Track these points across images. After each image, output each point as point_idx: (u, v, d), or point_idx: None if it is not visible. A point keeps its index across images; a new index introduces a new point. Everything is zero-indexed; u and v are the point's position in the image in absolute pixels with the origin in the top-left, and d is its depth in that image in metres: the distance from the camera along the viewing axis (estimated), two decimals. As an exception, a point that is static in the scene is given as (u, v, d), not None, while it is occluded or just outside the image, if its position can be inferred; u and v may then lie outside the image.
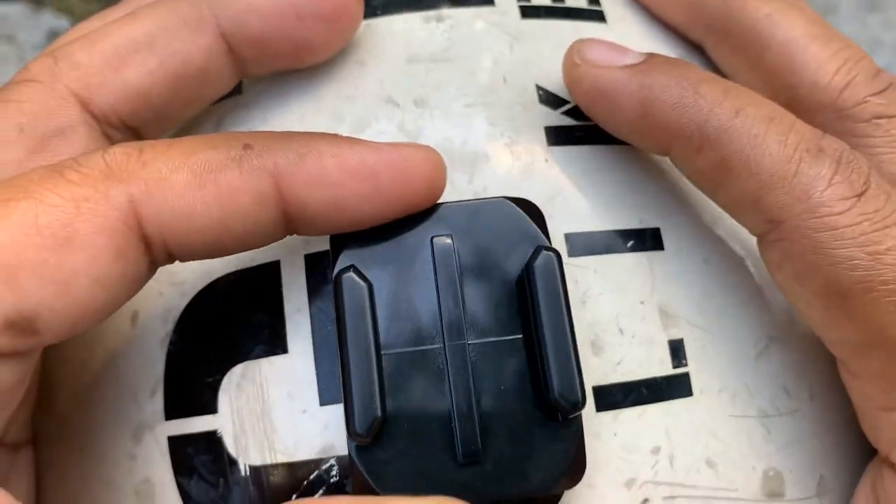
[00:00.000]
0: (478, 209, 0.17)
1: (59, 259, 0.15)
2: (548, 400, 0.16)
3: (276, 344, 0.18)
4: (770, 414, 0.18)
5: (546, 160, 0.19)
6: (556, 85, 0.20)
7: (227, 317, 0.18)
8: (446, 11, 0.21)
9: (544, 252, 0.17)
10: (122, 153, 0.16)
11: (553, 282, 0.16)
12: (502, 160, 0.19)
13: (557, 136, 0.19)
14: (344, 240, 0.17)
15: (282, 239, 0.17)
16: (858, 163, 0.17)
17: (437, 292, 0.17)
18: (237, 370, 0.18)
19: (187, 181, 0.16)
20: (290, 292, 0.18)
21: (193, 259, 0.17)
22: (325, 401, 0.17)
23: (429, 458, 0.16)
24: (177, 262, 0.19)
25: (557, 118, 0.19)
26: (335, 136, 0.17)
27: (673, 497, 0.17)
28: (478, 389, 0.16)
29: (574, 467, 0.16)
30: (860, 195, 0.16)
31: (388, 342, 0.16)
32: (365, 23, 0.20)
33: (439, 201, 0.17)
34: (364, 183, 0.16)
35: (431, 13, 0.21)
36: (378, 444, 0.16)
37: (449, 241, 0.17)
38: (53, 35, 1.21)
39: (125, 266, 0.15)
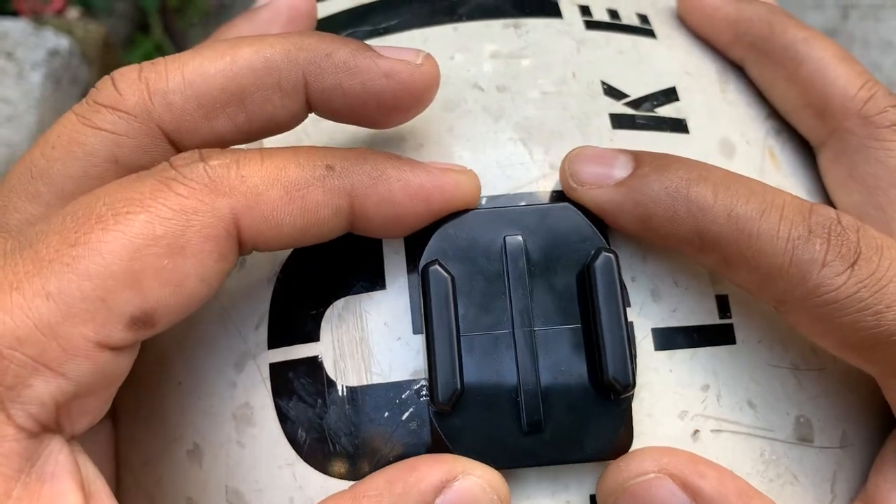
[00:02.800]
0: (546, 213, 0.20)
1: (174, 264, 0.17)
2: (603, 381, 0.19)
3: (375, 282, 0.20)
4: (801, 368, 0.21)
5: (611, 140, 0.22)
6: (617, 82, 0.23)
7: (331, 258, 0.21)
8: (521, 20, 0.24)
9: (604, 253, 0.19)
10: (221, 166, 0.18)
11: (611, 279, 0.19)
12: (574, 138, 0.22)
13: (620, 122, 0.22)
14: (429, 234, 0.20)
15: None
16: (846, 232, 0.18)
17: (508, 284, 0.20)
18: (339, 303, 0.20)
19: (280, 197, 0.18)
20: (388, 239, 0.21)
21: (269, 251, 0.20)
22: (417, 330, 0.20)
23: (498, 426, 0.19)
24: None
25: (620, 108, 0.22)
26: (398, 159, 0.20)
27: (719, 430, 0.20)
28: (541, 369, 0.19)
29: (623, 438, 0.19)
30: (853, 265, 0.18)
31: (465, 326, 0.19)
32: (452, 26, 0.24)
33: (512, 204, 0.21)
34: (420, 203, 0.19)
35: (509, 21, 0.24)
36: (455, 413, 0.19)
37: (520, 239, 0.20)
38: (54, 53, 1.24)
39: (224, 265, 0.18)
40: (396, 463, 0.19)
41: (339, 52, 0.19)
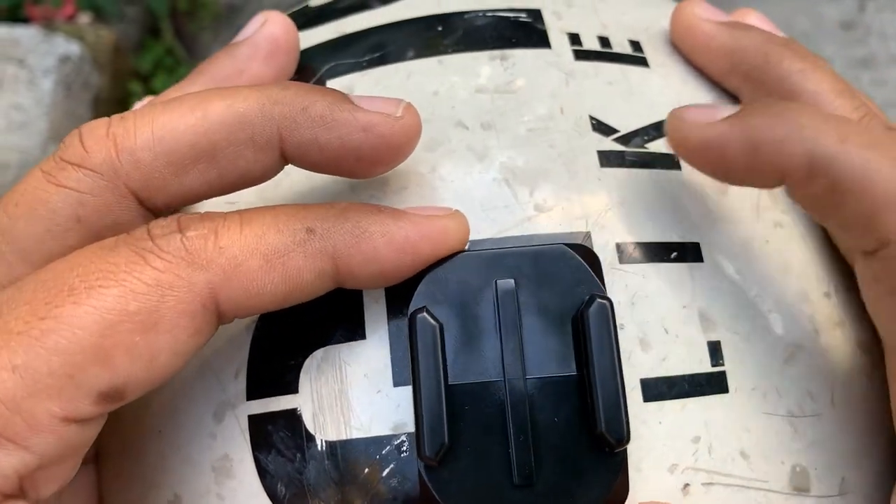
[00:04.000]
0: (539, 255, 0.19)
1: (146, 341, 0.17)
2: (596, 434, 0.18)
3: (354, 331, 0.20)
4: (797, 414, 0.20)
5: (599, 179, 0.21)
6: (606, 116, 0.22)
7: (310, 307, 0.20)
8: (508, 52, 0.23)
9: (598, 300, 0.19)
10: (199, 237, 0.17)
11: (605, 328, 0.18)
12: (560, 178, 0.21)
13: (609, 159, 0.21)
14: (412, 281, 0.19)
15: None
16: None
17: (500, 331, 0.19)
18: (318, 354, 0.20)
19: (259, 266, 0.18)
20: None
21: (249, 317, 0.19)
22: (397, 382, 0.19)
23: (488, 479, 0.18)
24: None
25: (609, 144, 0.22)
26: (380, 212, 0.19)
27: (711, 483, 0.19)
28: (533, 420, 0.18)
29: (618, 492, 0.18)
30: None
31: (454, 375, 0.19)
32: (437, 59, 0.23)
33: (503, 246, 0.20)
34: (407, 256, 0.19)
35: (496, 52, 0.23)
36: (444, 466, 0.18)
37: (512, 284, 0.19)
38: (65, 59, 1.25)
39: (200, 339, 0.18)
40: None
41: (316, 105, 0.19)
